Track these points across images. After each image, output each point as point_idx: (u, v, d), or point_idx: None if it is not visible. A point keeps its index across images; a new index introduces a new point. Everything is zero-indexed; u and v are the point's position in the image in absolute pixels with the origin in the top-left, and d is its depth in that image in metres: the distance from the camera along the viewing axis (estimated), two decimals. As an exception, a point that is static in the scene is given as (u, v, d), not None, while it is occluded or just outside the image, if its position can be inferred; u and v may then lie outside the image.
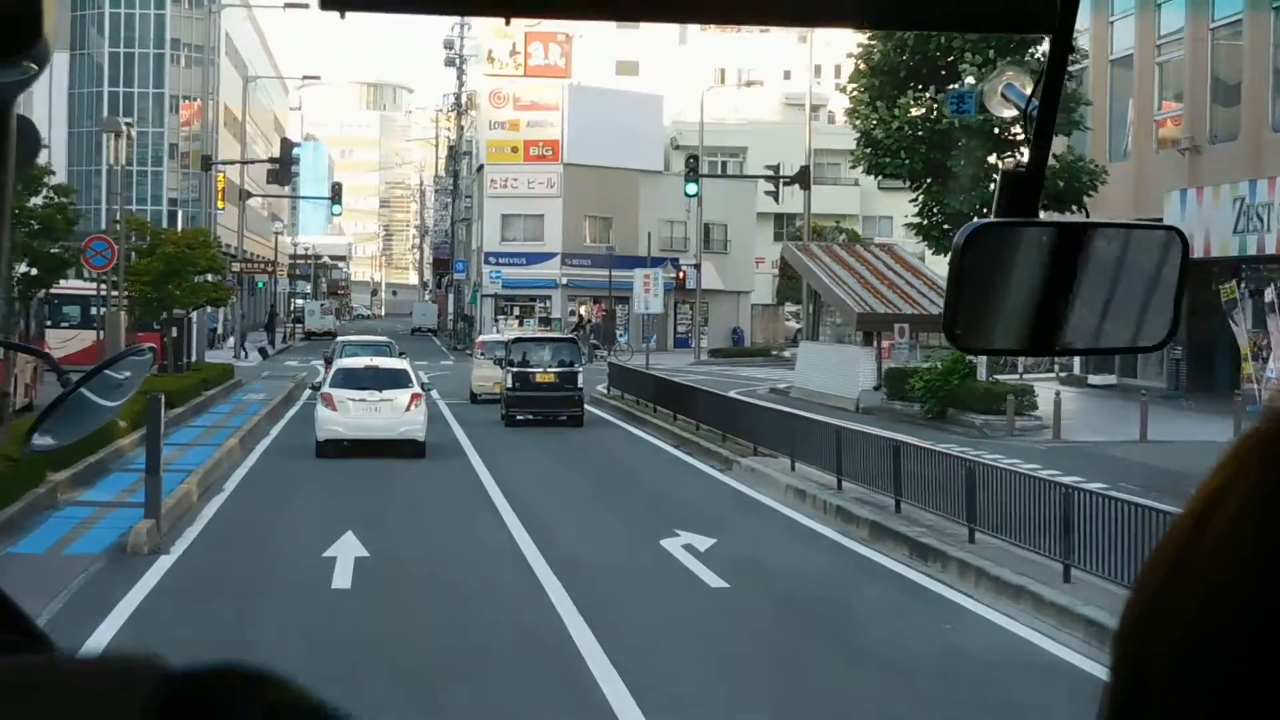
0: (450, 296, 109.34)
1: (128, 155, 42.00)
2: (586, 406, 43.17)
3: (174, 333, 49.12)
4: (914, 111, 40.08)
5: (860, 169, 44.15)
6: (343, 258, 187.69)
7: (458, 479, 29.58)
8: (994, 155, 40.94)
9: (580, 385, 40.44)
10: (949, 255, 2.40)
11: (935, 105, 39.82)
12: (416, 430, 32.08)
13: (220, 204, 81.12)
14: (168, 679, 0.80)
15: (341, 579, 18.31)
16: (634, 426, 40.53)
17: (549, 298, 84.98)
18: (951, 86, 40.61)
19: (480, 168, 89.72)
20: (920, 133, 39.98)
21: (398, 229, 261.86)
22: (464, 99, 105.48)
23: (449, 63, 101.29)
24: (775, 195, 65.22)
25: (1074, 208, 41.06)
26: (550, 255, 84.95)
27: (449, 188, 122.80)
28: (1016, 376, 50.66)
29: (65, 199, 28.89)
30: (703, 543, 20.89)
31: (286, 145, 59.75)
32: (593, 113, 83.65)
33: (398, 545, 20.99)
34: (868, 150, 42.36)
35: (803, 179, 59.47)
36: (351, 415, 31.89)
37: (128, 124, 38.80)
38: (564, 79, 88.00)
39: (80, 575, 18.64)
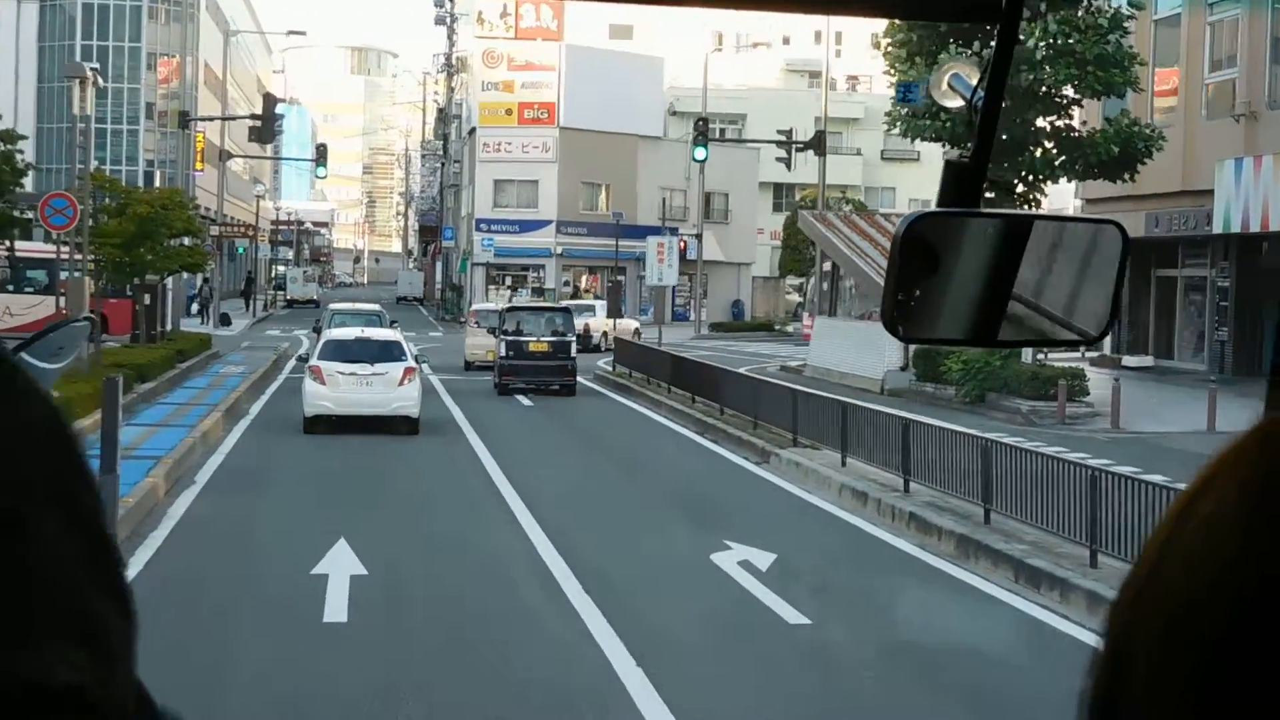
0: (438, 265, 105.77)
1: (101, 112, 38.42)
2: (591, 384, 43.12)
3: (146, 300, 45.64)
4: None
5: (897, 131, 40.73)
6: (325, 224, 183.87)
7: (458, 465, 26.63)
8: (1043, 117, 37.55)
9: (573, 355, 40.25)
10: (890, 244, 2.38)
11: (980, 64, 36.40)
12: (410, 406, 30.37)
13: (199, 165, 77.64)
14: None
15: (335, 608, 14.95)
16: (646, 408, 37.26)
17: (542, 267, 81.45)
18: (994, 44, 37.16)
19: (472, 131, 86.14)
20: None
21: (381, 196, 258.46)
22: (454, 60, 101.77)
23: (439, 21, 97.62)
24: (787, 163, 61.86)
25: (1127, 175, 37.78)
26: (545, 223, 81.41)
27: (437, 153, 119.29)
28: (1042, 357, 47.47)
29: (11, 146, 25.20)
30: (761, 559, 17.57)
31: (270, 101, 56.15)
32: (591, 75, 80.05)
33: (399, 558, 17.65)
34: (905, 112, 38.98)
35: (818, 145, 56.14)
36: (341, 390, 30.20)
37: (94, 70, 35.18)
38: (556, 41, 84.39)
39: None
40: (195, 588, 16.14)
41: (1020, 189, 38.07)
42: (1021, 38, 36.53)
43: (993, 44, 2.45)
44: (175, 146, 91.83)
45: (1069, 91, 37.48)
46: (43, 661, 0.78)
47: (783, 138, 61.29)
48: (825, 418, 25.93)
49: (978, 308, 2.48)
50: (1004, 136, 37.25)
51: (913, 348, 41.34)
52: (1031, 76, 35.88)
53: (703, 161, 60.78)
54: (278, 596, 15.63)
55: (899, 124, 39.73)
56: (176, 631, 14.36)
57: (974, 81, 2.51)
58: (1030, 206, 38.91)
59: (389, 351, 31.21)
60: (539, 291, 76.22)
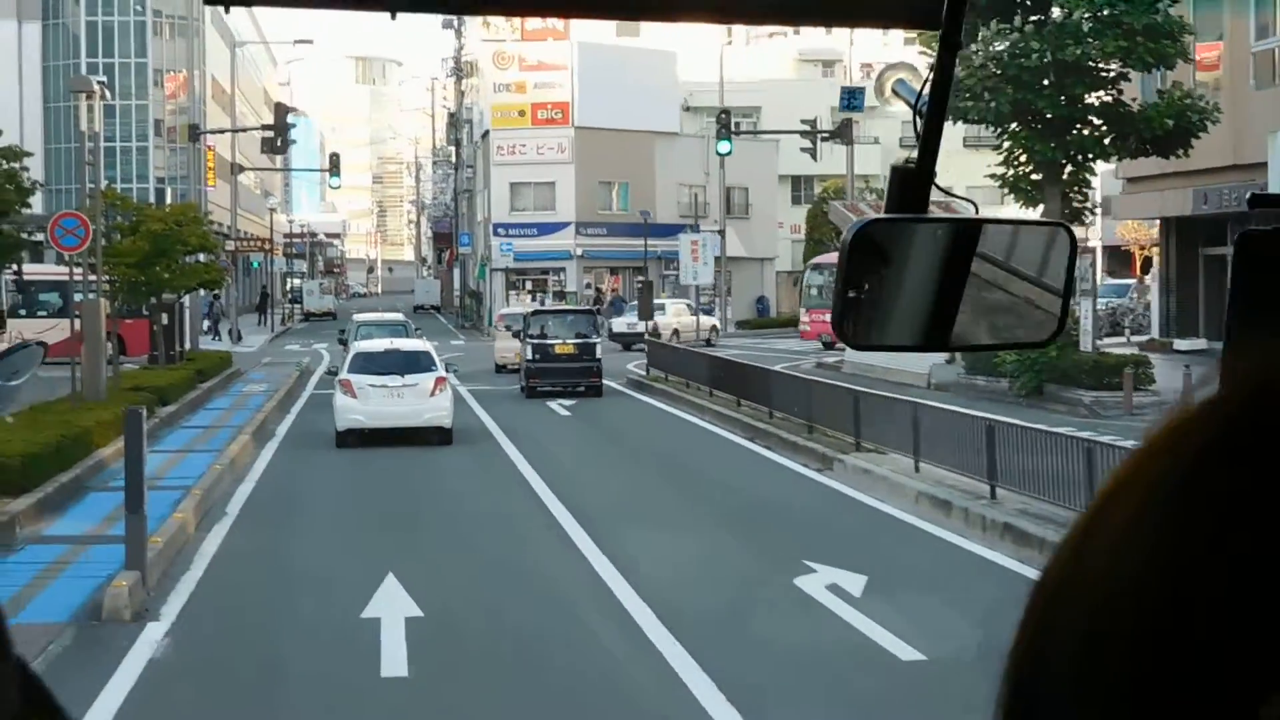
0: (456, 272, 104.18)
1: (109, 130, 36.96)
2: (624, 389, 42.36)
3: (164, 319, 44.14)
4: (998, 46, 35.01)
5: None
6: (337, 235, 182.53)
7: (500, 480, 25.34)
8: (1092, 93, 35.94)
9: (598, 356, 40.35)
10: (838, 249, 2.43)
11: (1023, 39, 34.76)
12: (442, 416, 30.07)
13: (211, 180, 76.33)
14: None
15: (393, 659, 13.42)
16: (687, 412, 35.71)
17: (563, 270, 79.79)
18: (1037, 18, 35.62)
19: (485, 134, 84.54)
20: (1006, 71, 34.90)
21: (391, 205, 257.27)
22: (463, 64, 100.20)
23: (447, 24, 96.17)
24: (813, 153, 60.38)
25: (1180, 151, 36.15)
26: (563, 225, 79.77)
27: (448, 159, 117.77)
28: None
29: (16, 164, 23.66)
30: (851, 582, 16.03)
31: (281, 111, 54.67)
32: (604, 72, 78.39)
33: (454, 596, 16.13)
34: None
35: (844, 133, 54.57)
36: (372, 403, 29.90)
37: (101, 83, 33.73)
38: (562, 41, 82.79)
39: (37, 659, 13.77)
40: (235, 640, 14.64)
41: (1069, 169, 36.45)
42: (1065, 9, 35.23)
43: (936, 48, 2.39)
44: (185, 163, 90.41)
45: (1112, 66, 35.82)
46: None
47: (806, 127, 59.73)
48: (892, 419, 24.36)
49: (929, 312, 2.47)
50: (1049, 115, 35.68)
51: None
52: (1078, 50, 34.25)
53: (726, 155, 59.25)
54: (328, 648, 14.11)
55: (937, 107, 38.04)
56: (217, 692, 12.89)
57: (918, 87, 2.50)
58: (1080, 188, 37.33)
59: (419, 362, 30.82)
60: (560, 295, 74.68)
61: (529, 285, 79.83)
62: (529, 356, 40.04)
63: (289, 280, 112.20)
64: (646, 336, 47.35)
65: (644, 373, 45.58)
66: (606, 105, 77.73)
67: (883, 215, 2.47)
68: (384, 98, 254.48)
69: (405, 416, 29.82)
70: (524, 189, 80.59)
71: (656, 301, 60.69)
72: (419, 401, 29.95)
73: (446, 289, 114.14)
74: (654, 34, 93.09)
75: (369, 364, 30.69)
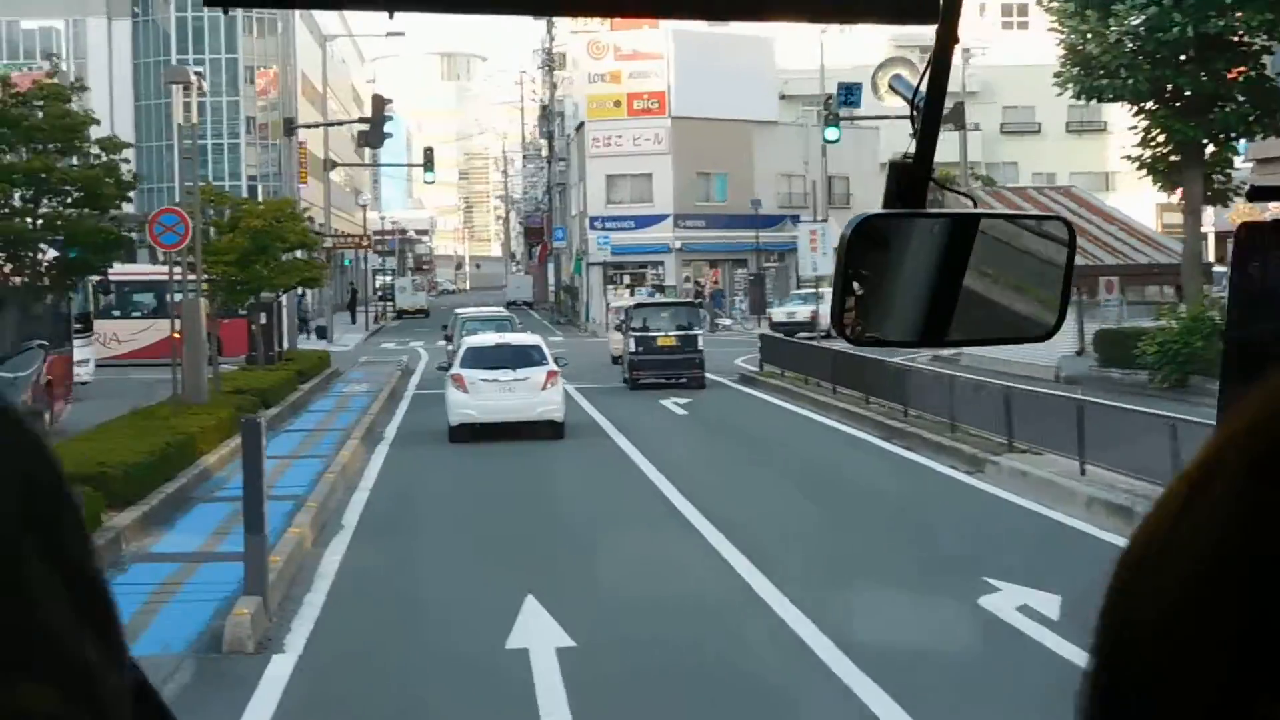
0: (550, 267, 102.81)
1: (200, 127, 35.76)
2: (738, 386, 41.41)
3: (263, 319, 42.96)
4: (1133, 20, 33.19)
5: (1069, 93, 37.28)
6: (425, 232, 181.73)
7: (624, 482, 24.16)
8: (1235, 69, 34.05)
9: (700, 348, 40.57)
10: (837, 246, 2.43)
11: (1162, 12, 32.92)
12: (554, 410, 30.17)
13: (302, 178, 75.35)
14: None
15: (552, 701, 11.91)
16: (810, 410, 34.13)
17: (661, 263, 78.18)
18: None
19: (580, 126, 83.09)
20: (1144, 46, 33.07)
21: (478, 200, 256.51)
22: (555, 56, 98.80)
23: (536, 16, 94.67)
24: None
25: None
26: (661, 217, 78.15)
27: (539, 153, 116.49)
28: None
29: (115, 155, 22.32)
30: (1044, 602, 14.40)
31: (379, 103, 53.26)
32: (700, 60, 76.73)
33: (604, 619, 14.61)
34: (1076, 70, 35.55)
35: (957, 117, 52.70)
36: (484, 397, 30.01)
37: (198, 74, 32.48)
38: (651, 29, 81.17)
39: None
40: (370, 676, 13.18)
41: (1210, 149, 34.59)
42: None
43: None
44: (276, 159, 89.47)
45: (1257, 40, 33.94)
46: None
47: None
48: (1049, 417, 22.67)
49: (927, 307, 2.46)
50: (1189, 92, 33.86)
51: (1091, 331, 38.06)
52: (1221, 23, 32.38)
53: (833, 142, 57.51)
54: (475, 685, 12.64)
55: (1072, 85, 36.29)
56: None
57: (915, 82, 2.53)
58: (1222, 169, 35.48)
59: (530, 356, 30.99)
60: (659, 288, 73.09)
61: (626, 279, 78.31)
62: (631, 349, 40.80)
63: (376, 278, 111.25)
64: (760, 332, 45.71)
65: (756, 368, 44.10)
66: (703, 94, 76.11)
67: (881, 211, 2.45)
68: (469, 94, 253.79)
69: (517, 410, 29.82)
70: (620, 181, 79.08)
71: (796, 292, 59.00)
72: (531, 395, 30.00)
73: (539, 285, 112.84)
74: (740, 24, 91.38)
75: (481, 359, 30.77)
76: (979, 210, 2.70)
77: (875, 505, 21.28)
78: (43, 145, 20.30)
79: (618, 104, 79.24)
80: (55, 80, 21.36)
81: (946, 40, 2.36)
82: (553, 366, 30.73)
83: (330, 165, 67.73)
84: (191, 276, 32.03)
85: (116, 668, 0.82)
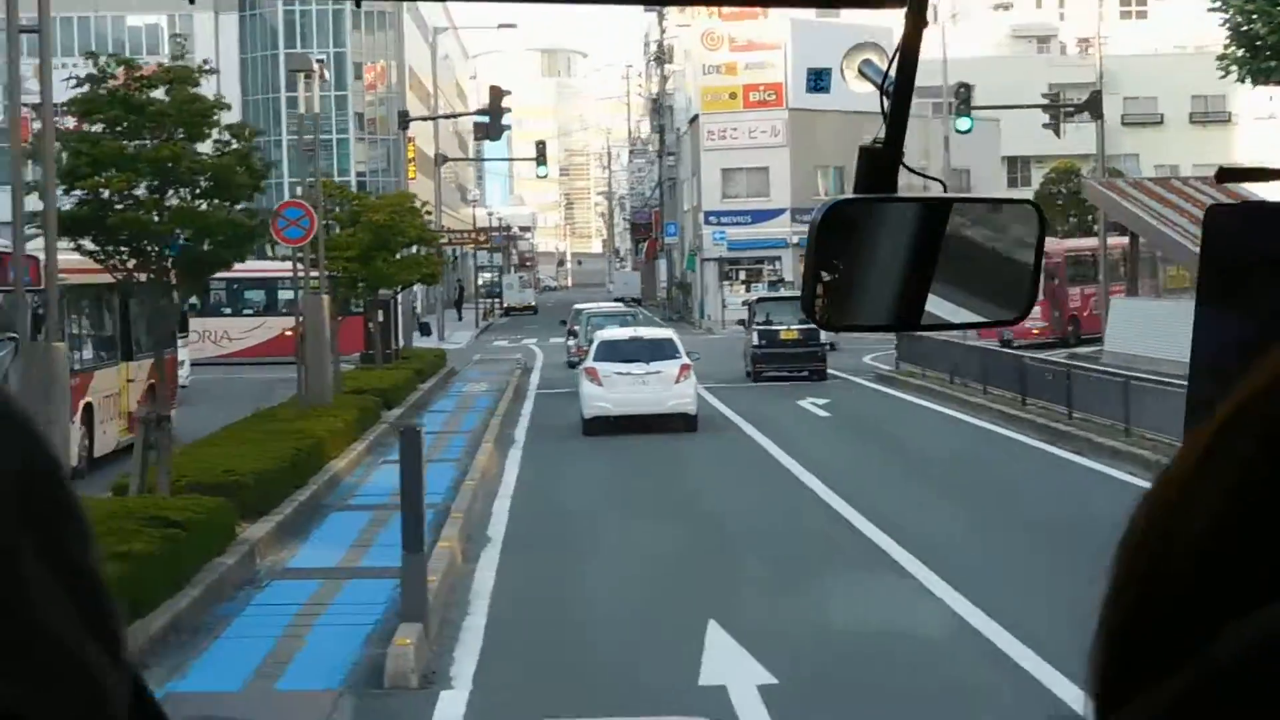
0: (661, 263, 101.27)
1: (308, 122, 34.45)
2: (873, 385, 40.36)
3: (380, 316, 41.72)
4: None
5: (1233, 76, 35.38)
6: (528, 228, 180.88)
7: (775, 482, 23.38)
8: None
9: (822, 342, 41.26)
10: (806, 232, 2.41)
11: None
12: (687, 403, 30.51)
13: (411, 174, 74.28)
14: None
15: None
16: (957, 410, 32.53)
17: (778, 259, 76.41)
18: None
19: (694, 119, 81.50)
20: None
21: (579, 197, 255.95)
22: (665, 48, 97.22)
23: (649, 9, 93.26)
24: (1056, 129, 56.53)
25: None
26: (777, 212, 76.27)
27: (646, 147, 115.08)
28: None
29: (247, 142, 20.95)
30: None
31: (496, 94, 51.94)
32: (818, 51, 74.57)
33: (802, 649, 13.06)
34: (1242, 52, 33.68)
35: (1094, 106, 50.74)
36: (619, 390, 30.32)
37: (319, 62, 31.23)
38: (756, 19, 79.46)
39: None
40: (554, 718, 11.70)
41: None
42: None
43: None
44: (384, 155, 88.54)
45: None
46: None
47: (1048, 101, 56.01)
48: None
49: (899, 292, 2.45)
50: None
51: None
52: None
53: (965, 132, 55.72)
54: (678, 732, 11.14)
55: (1237, 68, 34.42)
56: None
57: (884, 67, 2.50)
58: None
59: (662, 350, 31.27)
60: (778, 284, 71.39)
61: (743, 275, 76.67)
62: (755, 343, 41.24)
63: (480, 274, 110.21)
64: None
65: (890, 366, 42.52)
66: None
67: (851, 196, 2.46)
68: (569, 90, 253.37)
69: (650, 403, 30.15)
70: (736, 175, 77.41)
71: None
72: (664, 388, 30.33)
73: (647, 281, 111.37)
74: (849, 15, 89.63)
75: (614, 352, 31.05)
76: (949, 195, 2.66)
77: (1064, 517, 19.54)
78: (169, 132, 18.93)
79: (733, 96, 77.58)
80: (182, 62, 19.93)
81: (916, 24, 2.36)
82: (685, 360, 30.91)
83: (441, 160, 66.52)
84: (314, 272, 30.76)
85: (115, 667, 0.82)
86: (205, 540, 16.28)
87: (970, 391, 33.86)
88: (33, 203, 15.50)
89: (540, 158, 65.51)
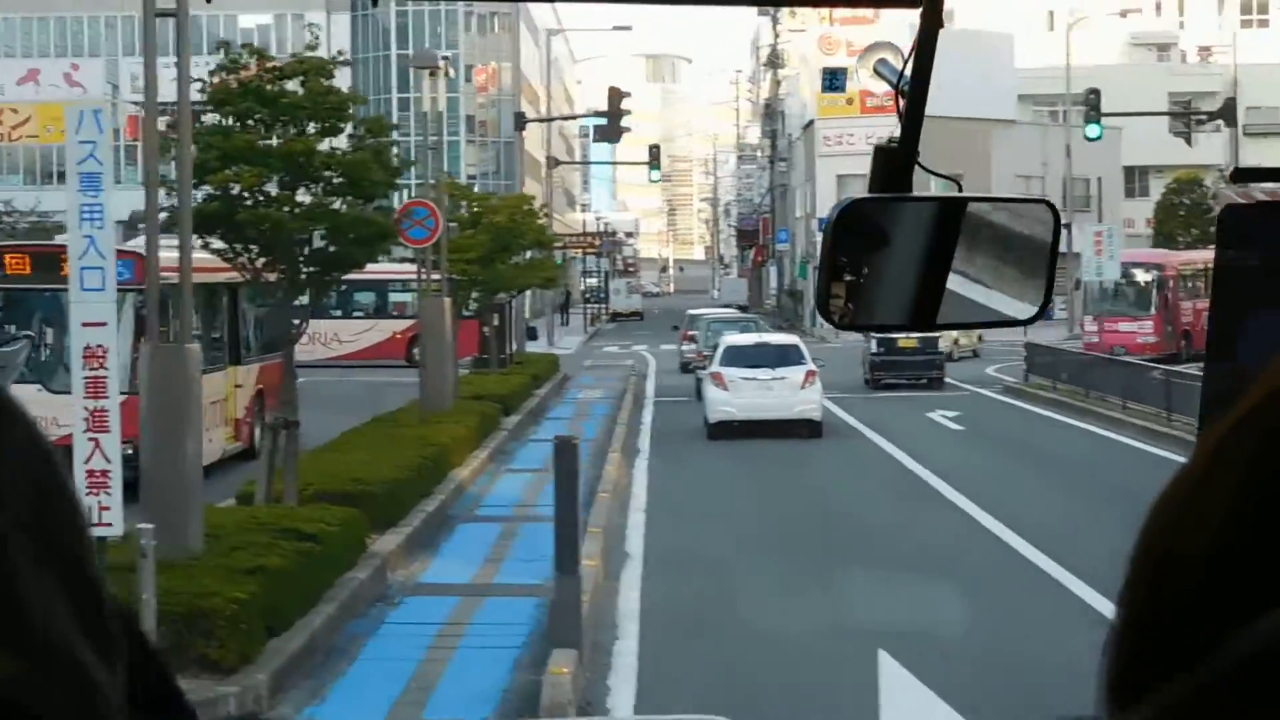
0: (772, 269, 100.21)
1: (421, 124, 33.73)
2: (1001, 397, 39.31)
3: (495, 320, 40.98)
4: None
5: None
6: (631, 234, 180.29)
7: (911, 495, 22.68)
8: None
9: (940, 350, 42.09)
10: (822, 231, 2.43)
11: None
12: (812, 409, 30.61)
13: (522, 178, 73.77)
14: None
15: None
16: (1098, 425, 31.42)
17: (894, 267, 75.36)
18: None
19: (809, 124, 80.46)
20: None
21: (681, 203, 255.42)
22: (778, 53, 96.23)
23: (762, 13, 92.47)
24: (1187, 137, 55.15)
25: None
26: (892, 220, 75.32)
27: (754, 154, 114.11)
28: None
29: (382, 138, 20.14)
30: None
31: (616, 96, 51.12)
32: (937, 56, 73.67)
33: (982, 685, 12.07)
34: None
35: (1228, 114, 49.40)
36: (744, 395, 30.44)
37: (445, 59, 30.48)
38: (872, 24, 78.21)
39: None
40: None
41: None
42: None
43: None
44: (493, 158, 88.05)
45: None
46: None
47: (1179, 108, 54.62)
48: None
49: (914, 292, 2.46)
50: None
51: None
52: None
53: (1095, 139, 54.40)
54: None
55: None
56: None
57: (900, 67, 2.55)
58: None
59: (788, 355, 31.46)
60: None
61: (859, 284, 75.57)
62: (873, 350, 41.45)
63: (583, 280, 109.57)
64: (1027, 340, 43.13)
65: (1016, 378, 41.42)
66: (939, 90, 71.55)
67: (866, 195, 2.46)
68: (674, 95, 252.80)
69: (776, 409, 30.16)
70: (852, 181, 76.04)
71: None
72: (789, 394, 30.40)
73: (754, 288, 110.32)
74: (964, 18, 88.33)
75: (739, 357, 31.20)
76: (964, 194, 2.63)
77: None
78: (301, 126, 18.14)
79: (850, 101, 76.41)
80: (315, 53, 19.16)
81: (931, 24, 2.38)
82: (811, 366, 30.99)
83: (554, 163, 65.82)
84: (435, 274, 30.01)
85: (108, 665, 0.81)
86: (338, 554, 15.50)
87: (1109, 406, 32.68)
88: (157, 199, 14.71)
89: (653, 161, 64.75)
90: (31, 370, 22.62)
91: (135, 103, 73.54)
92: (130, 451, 19.75)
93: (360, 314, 52.76)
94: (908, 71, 2.49)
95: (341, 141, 19.36)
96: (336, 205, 18.35)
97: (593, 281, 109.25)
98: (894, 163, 2.47)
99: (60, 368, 21.98)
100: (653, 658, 13.37)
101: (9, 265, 23.06)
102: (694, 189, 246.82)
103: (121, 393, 20.93)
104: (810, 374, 30.79)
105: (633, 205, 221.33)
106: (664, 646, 13.82)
